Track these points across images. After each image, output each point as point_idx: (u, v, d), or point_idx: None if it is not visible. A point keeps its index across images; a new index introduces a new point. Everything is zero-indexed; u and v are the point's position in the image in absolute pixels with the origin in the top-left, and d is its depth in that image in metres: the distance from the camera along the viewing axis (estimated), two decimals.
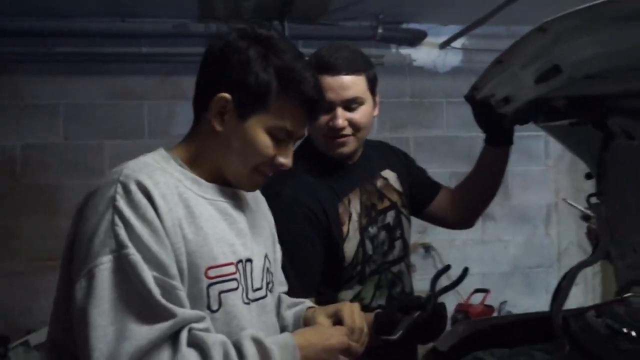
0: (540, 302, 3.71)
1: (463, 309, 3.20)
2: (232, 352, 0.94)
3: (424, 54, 3.81)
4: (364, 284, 1.60)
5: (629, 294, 1.71)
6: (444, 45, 3.79)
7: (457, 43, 3.78)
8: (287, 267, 1.34)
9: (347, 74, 1.48)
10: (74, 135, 3.49)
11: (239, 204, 1.15)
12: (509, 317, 1.77)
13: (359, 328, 1.17)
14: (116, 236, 0.91)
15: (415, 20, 3.70)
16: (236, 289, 1.06)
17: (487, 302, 3.33)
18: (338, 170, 1.58)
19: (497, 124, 1.60)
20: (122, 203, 0.93)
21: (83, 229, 0.96)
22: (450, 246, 3.77)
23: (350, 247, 1.55)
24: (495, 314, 3.41)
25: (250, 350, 0.96)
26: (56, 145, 3.47)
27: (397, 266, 1.69)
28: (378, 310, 1.37)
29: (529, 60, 1.07)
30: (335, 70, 1.46)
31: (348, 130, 1.51)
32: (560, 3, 3.72)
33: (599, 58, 0.93)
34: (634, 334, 1.34)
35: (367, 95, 1.53)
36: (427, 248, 3.70)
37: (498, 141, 1.67)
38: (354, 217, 1.57)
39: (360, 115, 1.51)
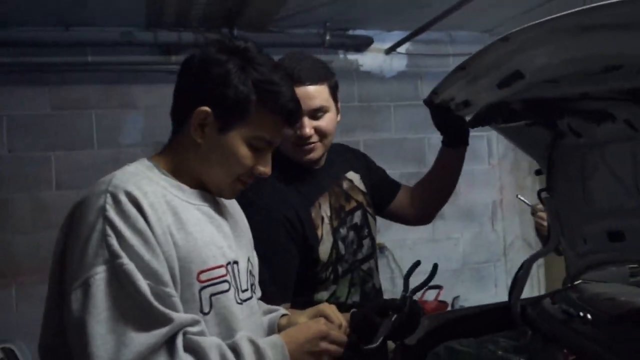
0: (490, 295, 3.87)
1: None
2: (229, 354, 0.98)
3: (370, 60, 3.91)
4: (338, 284, 1.65)
5: (579, 281, 1.84)
6: (390, 50, 3.92)
7: (402, 48, 3.92)
8: (263, 272, 1.38)
9: (312, 84, 1.52)
10: (19, 148, 3.38)
11: (220, 209, 1.18)
12: (470, 309, 1.85)
13: (339, 322, 1.21)
14: (109, 246, 0.93)
15: (362, 26, 3.80)
16: (228, 290, 1.08)
17: (440, 298, 3.45)
18: (306, 176, 1.63)
19: (454, 126, 1.69)
20: (112, 213, 0.95)
21: (74, 241, 0.97)
22: (402, 246, 3.88)
23: (324, 249, 1.59)
24: (448, 309, 3.53)
25: (246, 349, 0.99)
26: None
27: (366, 264, 1.74)
28: (353, 310, 1.42)
29: (492, 67, 1.15)
30: (300, 81, 1.49)
31: (315, 138, 1.56)
32: (495, 13, 3.91)
33: (556, 65, 1.02)
34: (589, 316, 1.44)
35: (330, 103, 1.58)
36: (381, 248, 3.79)
37: (455, 142, 1.76)
38: (326, 220, 1.62)
39: (325, 122, 1.56)
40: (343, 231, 1.67)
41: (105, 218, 0.94)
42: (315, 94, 1.53)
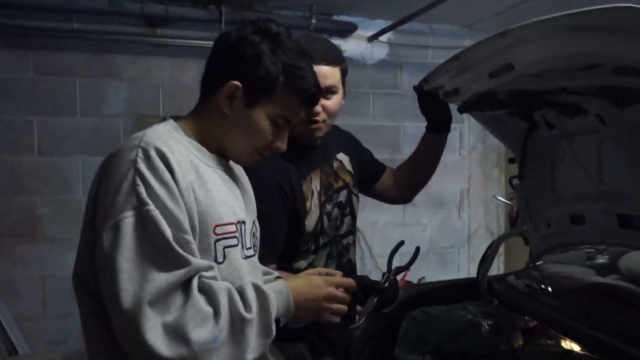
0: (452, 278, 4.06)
1: None
2: (236, 296, 1.10)
3: (353, 46, 3.97)
4: (317, 254, 1.78)
5: (540, 262, 2.02)
6: (372, 38, 4.00)
7: (384, 37, 4.00)
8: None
9: (327, 64, 1.63)
10: (0, 110, 3.37)
11: (232, 174, 1.30)
12: (441, 282, 2.00)
13: (349, 282, 1.34)
14: (138, 195, 1.04)
15: (346, 12, 3.88)
16: (236, 245, 1.21)
17: (407, 279, 3.62)
18: (303, 153, 1.73)
19: (439, 113, 1.83)
20: (142, 166, 1.05)
21: (107, 187, 1.07)
22: (374, 228, 4.02)
23: (310, 221, 1.72)
24: None
25: (250, 293, 1.12)
26: None
27: (346, 239, 1.87)
28: (359, 275, 1.55)
29: (486, 58, 1.29)
30: (315, 60, 1.59)
31: (322, 116, 1.66)
32: (476, 9, 4.03)
33: (544, 60, 1.16)
34: (550, 289, 1.61)
35: (339, 85, 1.70)
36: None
37: (438, 128, 1.90)
38: (315, 194, 1.74)
39: (333, 103, 1.68)
40: (329, 207, 1.79)
41: (136, 170, 1.05)
42: (328, 73, 1.63)
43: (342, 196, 1.85)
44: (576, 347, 1.42)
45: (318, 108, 1.63)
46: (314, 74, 1.26)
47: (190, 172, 1.13)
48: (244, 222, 1.25)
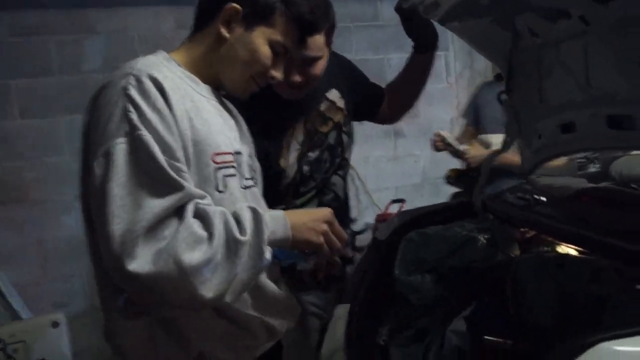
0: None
1: (383, 218, 3.49)
2: (231, 219, 1.08)
3: None
4: (298, 198, 1.76)
5: (532, 176, 2.02)
6: None
7: None
8: None
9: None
10: None
11: (226, 106, 1.29)
12: (436, 205, 2.01)
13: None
14: (129, 121, 1.02)
15: None
16: (234, 175, 1.19)
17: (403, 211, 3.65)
18: (286, 103, 1.68)
19: (423, 31, 1.79)
20: (134, 92, 1.03)
21: (97, 116, 1.06)
22: (366, 163, 4.01)
23: (287, 175, 1.70)
24: None
25: (246, 216, 1.10)
26: None
27: (332, 178, 1.84)
28: None
29: None
30: None
31: (304, 82, 1.61)
32: None
33: None
34: (544, 199, 1.62)
35: (324, 50, 1.62)
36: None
37: (424, 47, 1.86)
38: (296, 146, 1.71)
39: (317, 69, 1.62)
40: (313, 154, 1.75)
41: (127, 96, 1.03)
42: (311, 45, 1.54)
43: (331, 138, 1.81)
44: (572, 252, 1.43)
45: (297, 78, 1.58)
46: (310, 3, 1.25)
47: (185, 99, 1.11)
48: (240, 153, 1.23)
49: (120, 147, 1.00)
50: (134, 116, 1.02)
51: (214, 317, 1.16)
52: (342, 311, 1.85)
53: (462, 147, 2.89)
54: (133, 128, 1.01)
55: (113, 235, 0.97)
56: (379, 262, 1.77)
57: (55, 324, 2.64)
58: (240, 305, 1.17)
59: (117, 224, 0.97)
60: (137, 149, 1.01)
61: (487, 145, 2.88)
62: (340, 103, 1.83)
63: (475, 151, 2.88)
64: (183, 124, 1.08)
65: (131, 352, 1.16)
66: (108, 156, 1.00)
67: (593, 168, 2.04)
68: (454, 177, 3.18)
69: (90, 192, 1.04)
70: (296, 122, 1.71)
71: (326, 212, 1.25)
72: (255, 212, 1.12)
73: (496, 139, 2.73)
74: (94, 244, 1.10)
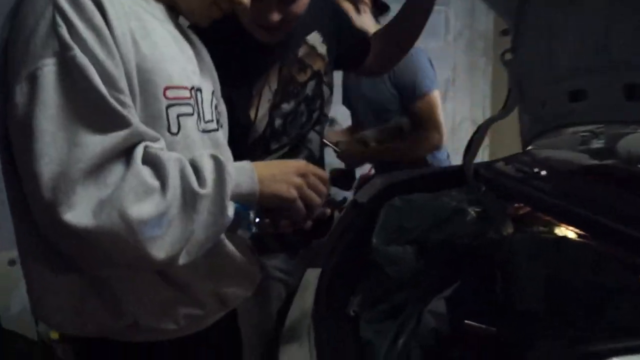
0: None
1: (366, 178, 3.34)
2: (188, 168, 0.90)
3: None
4: (270, 154, 1.55)
5: (530, 147, 1.87)
6: None
7: None
8: None
9: None
10: None
11: (184, 32, 1.08)
12: (423, 170, 1.86)
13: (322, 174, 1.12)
14: (59, 37, 0.81)
15: None
16: (192, 114, 1.00)
17: None
18: (260, 48, 1.45)
19: None
20: (64, 2, 0.83)
21: (19, 30, 0.85)
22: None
23: (256, 128, 1.49)
24: None
25: (206, 165, 0.92)
26: None
27: (309, 134, 1.64)
28: (333, 169, 1.36)
29: None
30: None
31: (283, 21, 1.38)
32: None
33: None
34: (543, 172, 1.46)
35: None
36: (331, 121, 3.73)
37: None
38: (268, 95, 1.49)
39: (298, 7, 1.38)
40: (287, 106, 1.54)
41: (55, 6, 0.82)
42: None
43: (309, 89, 1.59)
44: (571, 234, 1.28)
45: (275, 16, 1.34)
46: None
47: (129, 17, 0.90)
48: (199, 90, 1.03)
49: (48, 70, 0.81)
50: (63, 31, 0.82)
51: (157, 281, 0.99)
52: (312, 276, 1.71)
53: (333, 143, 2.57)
54: (64, 47, 0.81)
55: (42, 178, 0.79)
56: (357, 227, 1.62)
57: (12, 262, 2.52)
58: (189, 269, 0.97)
59: (47, 164, 0.79)
60: (70, 72, 0.81)
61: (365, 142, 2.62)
62: (322, 49, 1.60)
63: (346, 145, 2.58)
64: (125, 47, 0.88)
65: (55, 315, 0.99)
66: (33, 81, 0.81)
67: (597, 143, 1.87)
68: (334, 178, 2.82)
69: (10, 124, 0.85)
70: (270, 68, 1.49)
71: (300, 163, 1.08)
72: (217, 161, 0.93)
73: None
74: (13, 186, 0.92)
